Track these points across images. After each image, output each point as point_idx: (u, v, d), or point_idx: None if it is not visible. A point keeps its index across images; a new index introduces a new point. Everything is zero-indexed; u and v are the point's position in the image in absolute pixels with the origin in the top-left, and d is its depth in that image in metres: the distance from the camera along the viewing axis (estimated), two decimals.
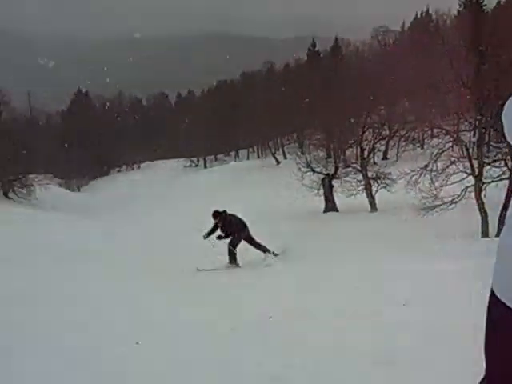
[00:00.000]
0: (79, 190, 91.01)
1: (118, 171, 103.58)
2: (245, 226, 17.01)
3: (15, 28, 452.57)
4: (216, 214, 16.81)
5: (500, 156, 26.79)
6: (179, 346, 7.20)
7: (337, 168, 39.69)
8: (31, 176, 68.31)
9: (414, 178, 34.44)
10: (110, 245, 23.71)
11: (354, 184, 36.76)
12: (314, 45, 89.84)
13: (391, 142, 53.47)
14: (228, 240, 16.48)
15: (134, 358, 6.68)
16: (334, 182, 38.51)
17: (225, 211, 16.90)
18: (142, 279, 14.07)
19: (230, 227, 16.58)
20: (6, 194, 67.34)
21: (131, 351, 6.92)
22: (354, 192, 36.36)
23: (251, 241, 16.83)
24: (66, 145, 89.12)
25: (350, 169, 39.25)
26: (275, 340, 7.29)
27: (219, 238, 16.59)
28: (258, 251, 16.69)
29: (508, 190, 23.65)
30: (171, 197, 66.15)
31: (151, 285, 12.99)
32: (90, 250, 21.87)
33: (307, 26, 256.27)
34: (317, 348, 6.76)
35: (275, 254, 16.36)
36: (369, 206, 36.24)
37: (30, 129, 78.39)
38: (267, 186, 55.51)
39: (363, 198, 36.41)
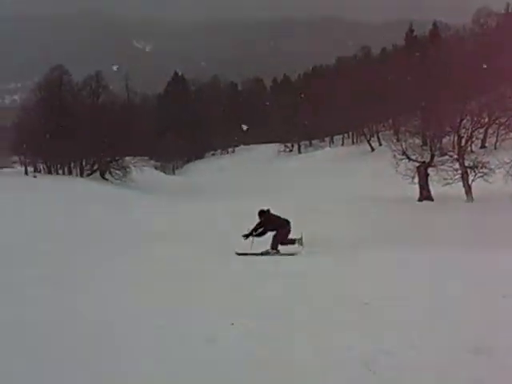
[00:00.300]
0: (174, 173, 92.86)
1: (213, 154, 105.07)
2: (288, 222, 17.49)
3: (109, 11, 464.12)
4: (261, 213, 17.50)
5: None
6: (278, 324, 7.60)
7: (433, 156, 38.98)
8: (127, 158, 70.32)
9: None
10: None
11: (450, 173, 35.98)
12: (411, 29, 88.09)
13: (490, 130, 52.10)
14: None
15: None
16: (430, 171, 37.86)
17: (268, 210, 17.52)
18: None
19: (272, 224, 17.22)
20: (102, 175, 69.76)
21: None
22: (450, 181, 35.64)
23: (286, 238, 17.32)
24: (161, 128, 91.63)
25: (446, 157, 38.46)
26: (368, 325, 7.45)
27: (258, 235, 17.29)
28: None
29: None
30: (263, 181, 66.75)
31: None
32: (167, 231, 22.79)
33: (405, 10, 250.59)
34: (410, 333, 6.92)
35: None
36: (465, 195, 35.55)
37: (126, 111, 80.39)
38: (361, 173, 55.38)
39: (459, 187, 35.69)
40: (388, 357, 6.13)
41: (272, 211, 17.67)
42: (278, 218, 17.55)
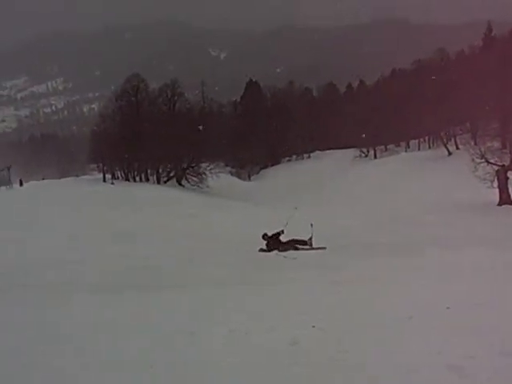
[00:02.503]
0: (249, 179, 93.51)
1: (289, 160, 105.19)
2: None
3: (185, 19, 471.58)
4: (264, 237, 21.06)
5: None
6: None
7: None
8: (203, 165, 71.34)
9: None
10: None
11: None
12: (489, 29, 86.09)
13: None
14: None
15: None
16: (510, 174, 37.12)
17: (272, 236, 20.93)
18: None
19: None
20: (179, 182, 71.08)
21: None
22: None
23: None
24: (237, 134, 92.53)
25: None
26: (454, 330, 7.48)
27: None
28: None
29: None
30: (339, 187, 66.74)
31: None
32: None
33: (482, 11, 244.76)
34: (499, 339, 6.87)
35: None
36: None
37: (203, 119, 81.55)
38: (439, 177, 54.68)
39: None
40: (475, 361, 6.17)
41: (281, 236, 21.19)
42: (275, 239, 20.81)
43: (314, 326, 7.84)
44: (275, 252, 19.42)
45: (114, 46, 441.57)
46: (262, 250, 20.10)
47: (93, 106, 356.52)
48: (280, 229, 20.89)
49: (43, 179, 72.41)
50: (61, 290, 12.12)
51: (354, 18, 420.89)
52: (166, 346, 7.23)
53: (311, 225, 20.68)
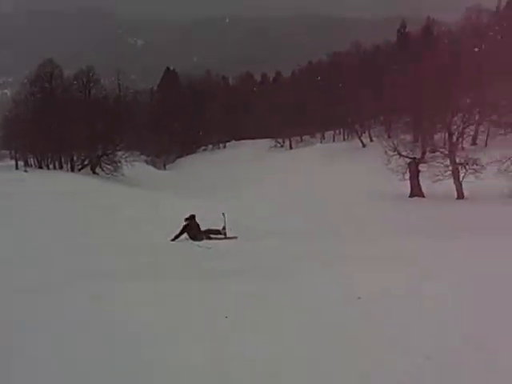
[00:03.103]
0: (165, 168, 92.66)
1: (204, 150, 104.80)
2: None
3: (107, 7, 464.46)
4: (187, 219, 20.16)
5: None
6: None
7: (424, 152, 39.14)
8: (119, 153, 70.21)
9: (505, 165, 33.77)
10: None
11: (441, 169, 36.06)
12: (403, 26, 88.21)
13: (481, 127, 52.17)
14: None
15: None
16: (421, 167, 37.91)
17: (193, 216, 20.20)
18: None
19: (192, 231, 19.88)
20: (93, 170, 69.66)
21: None
22: (441, 177, 35.70)
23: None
24: (153, 123, 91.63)
25: (437, 153, 38.54)
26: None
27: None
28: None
29: None
30: (254, 176, 66.85)
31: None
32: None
33: (397, 7, 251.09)
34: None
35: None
36: (455, 192, 35.64)
37: (118, 106, 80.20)
38: (353, 169, 55.50)
39: (450, 183, 35.77)
40: None
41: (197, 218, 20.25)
42: (198, 226, 20.07)
43: (226, 317, 7.52)
44: (190, 242, 18.98)
45: (30, 31, 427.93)
46: (174, 238, 19.50)
47: (5, 91, 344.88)
48: (220, 226, 20.54)
49: None
50: None
51: (275, 11, 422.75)
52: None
53: (223, 214, 20.54)
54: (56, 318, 7.58)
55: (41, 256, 14.98)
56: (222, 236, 20.09)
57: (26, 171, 60.51)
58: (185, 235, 19.53)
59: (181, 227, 19.58)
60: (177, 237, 19.31)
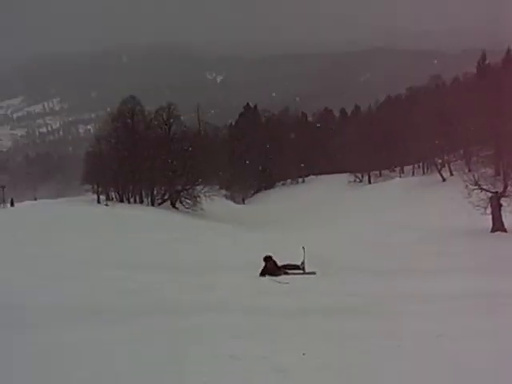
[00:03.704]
0: (244, 203, 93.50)
1: (283, 184, 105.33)
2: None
3: (184, 43, 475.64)
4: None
5: None
6: None
7: (506, 186, 38.26)
8: (198, 187, 71.39)
9: None
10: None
11: None
12: (483, 58, 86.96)
13: None
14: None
15: None
16: (503, 201, 37.10)
17: (270, 257, 20.28)
18: None
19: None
20: (173, 204, 71.08)
21: None
22: None
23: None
24: (232, 158, 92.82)
25: None
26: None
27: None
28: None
29: None
30: (332, 212, 66.76)
31: None
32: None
33: (476, 39, 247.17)
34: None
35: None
36: None
37: (198, 142, 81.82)
38: (433, 203, 54.70)
39: None
40: None
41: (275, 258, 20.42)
42: (275, 263, 20.18)
43: (304, 354, 7.74)
44: (268, 277, 19.26)
45: (111, 68, 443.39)
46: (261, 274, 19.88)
47: (88, 127, 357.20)
48: (300, 260, 20.81)
49: (35, 199, 72.03)
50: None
51: (351, 45, 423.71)
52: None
53: (303, 248, 20.69)
54: None
55: None
56: (301, 271, 20.23)
57: (106, 205, 62.42)
58: None
59: (261, 268, 20.01)
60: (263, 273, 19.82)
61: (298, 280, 18.32)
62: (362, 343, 8.31)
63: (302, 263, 20.50)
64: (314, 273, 19.88)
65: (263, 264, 20.00)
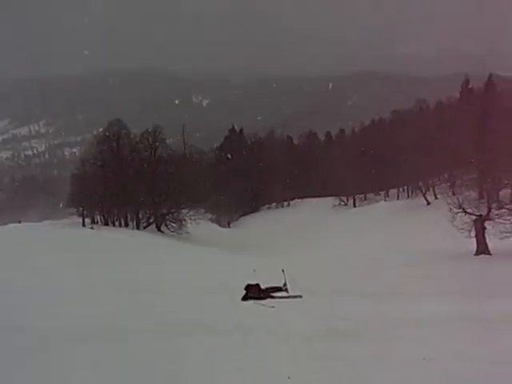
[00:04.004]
0: (229, 226, 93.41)
1: (268, 208, 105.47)
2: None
3: (171, 67, 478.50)
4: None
5: None
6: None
7: (490, 209, 38.48)
8: (183, 211, 71.36)
9: None
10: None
11: (507, 226, 35.40)
12: (467, 82, 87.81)
13: None
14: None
15: None
16: (487, 224, 37.30)
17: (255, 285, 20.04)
18: None
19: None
20: (158, 228, 70.91)
21: None
22: (508, 234, 35.04)
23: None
24: (217, 181, 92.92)
25: (503, 210, 37.90)
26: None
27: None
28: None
29: None
30: (317, 235, 66.87)
31: None
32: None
33: (459, 64, 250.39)
34: None
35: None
36: None
37: (184, 165, 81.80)
38: (418, 227, 54.99)
39: None
40: None
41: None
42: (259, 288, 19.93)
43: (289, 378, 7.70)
44: (252, 301, 19.13)
45: (97, 91, 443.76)
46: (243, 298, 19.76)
47: (74, 150, 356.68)
48: (281, 283, 20.75)
49: (19, 222, 71.51)
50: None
51: (335, 70, 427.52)
52: None
53: (283, 271, 20.71)
54: None
55: None
56: (286, 294, 20.13)
57: (92, 228, 62.12)
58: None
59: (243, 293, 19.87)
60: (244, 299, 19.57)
61: (283, 303, 18.23)
62: (350, 367, 8.28)
63: (284, 285, 20.45)
64: (299, 296, 19.79)
65: (244, 292, 19.89)
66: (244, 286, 20.00)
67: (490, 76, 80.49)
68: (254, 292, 19.73)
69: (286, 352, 9.47)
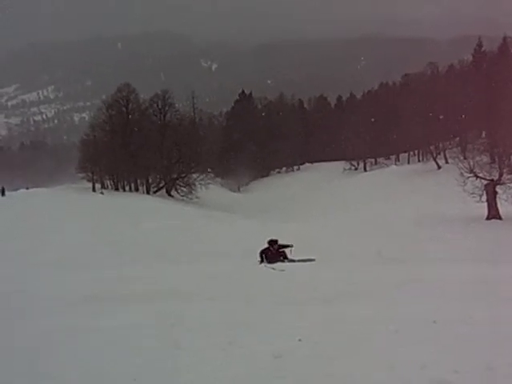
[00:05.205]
0: (239, 191, 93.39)
1: (278, 172, 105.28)
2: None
3: (178, 32, 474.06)
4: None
5: None
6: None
7: (501, 174, 38.26)
8: (194, 175, 71.43)
9: None
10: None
11: None
12: (480, 45, 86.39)
13: None
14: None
15: None
16: (498, 189, 37.13)
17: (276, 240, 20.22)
18: None
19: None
20: (168, 192, 71.17)
21: None
22: None
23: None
24: (228, 145, 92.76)
25: None
26: (440, 344, 7.34)
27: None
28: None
29: None
30: (329, 199, 66.79)
31: None
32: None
33: (473, 26, 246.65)
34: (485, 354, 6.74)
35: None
36: None
37: (193, 129, 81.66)
38: (428, 191, 54.83)
39: None
40: (460, 376, 6.07)
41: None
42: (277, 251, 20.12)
43: (300, 340, 7.72)
44: (263, 264, 19.18)
45: (106, 56, 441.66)
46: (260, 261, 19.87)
47: (83, 115, 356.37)
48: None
49: (27, 188, 71.46)
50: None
51: (343, 32, 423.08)
52: (153, 360, 7.08)
53: (289, 245, 20.67)
54: None
55: None
56: (301, 258, 20.10)
57: (102, 193, 62.34)
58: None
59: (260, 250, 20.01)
60: (262, 260, 19.69)
61: (296, 267, 18.27)
62: (359, 328, 8.31)
63: (292, 246, 20.45)
64: (313, 259, 19.83)
65: (265, 246, 20.00)
66: (267, 241, 20.16)
67: (505, 39, 79.16)
68: (274, 247, 19.90)
69: (297, 315, 9.50)
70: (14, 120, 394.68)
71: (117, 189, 71.35)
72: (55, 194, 59.23)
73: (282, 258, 19.92)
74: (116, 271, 17.44)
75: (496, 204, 36.91)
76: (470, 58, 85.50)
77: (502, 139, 43.93)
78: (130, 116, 73.56)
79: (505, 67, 62.38)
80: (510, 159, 41.27)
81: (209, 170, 77.87)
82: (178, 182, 72.21)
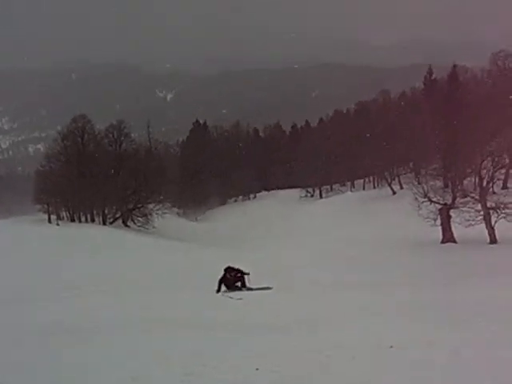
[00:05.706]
0: (196, 220, 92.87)
1: (235, 201, 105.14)
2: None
3: (134, 62, 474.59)
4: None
5: None
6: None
7: (454, 198, 38.94)
8: (150, 206, 70.98)
9: None
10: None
11: (472, 214, 35.81)
12: (430, 72, 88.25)
13: (511, 171, 51.93)
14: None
15: None
16: (452, 212, 37.72)
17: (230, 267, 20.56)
18: None
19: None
20: (125, 223, 70.44)
21: None
22: (473, 222, 35.45)
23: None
24: (184, 175, 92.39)
25: (468, 198, 38.36)
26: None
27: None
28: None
29: None
30: (285, 227, 67.00)
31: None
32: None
33: (422, 54, 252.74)
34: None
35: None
36: (488, 237, 35.31)
37: (149, 159, 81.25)
38: (384, 217, 55.40)
39: (482, 228, 35.45)
40: None
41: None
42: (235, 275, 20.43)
43: (257, 369, 7.67)
44: (221, 293, 19.12)
45: (61, 87, 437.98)
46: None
47: (38, 146, 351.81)
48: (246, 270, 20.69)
49: None
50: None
51: (296, 62, 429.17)
52: None
53: (246, 273, 20.64)
54: None
55: None
56: (255, 287, 20.06)
57: (58, 225, 61.37)
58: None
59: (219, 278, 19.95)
60: (219, 289, 19.72)
61: (253, 295, 18.21)
62: (317, 357, 8.27)
63: (248, 274, 20.39)
64: (269, 288, 19.79)
65: (222, 274, 19.98)
66: (224, 268, 20.14)
67: (454, 66, 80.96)
68: (231, 274, 19.87)
69: (255, 344, 9.43)
70: None
71: (73, 220, 70.27)
72: (9, 226, 58.22)
73: (240, 285, 19.88)
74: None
75: (450, 228, 37.48)
76: (422, 86, 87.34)
77: (454, 164, 44.75)
78: (86, 147, 72.85)
79: (454, 94, 63.79)
80: (462, 184, 42.05)
81: (164, 199, 77.25)
82: (134, 212, 71.57)
